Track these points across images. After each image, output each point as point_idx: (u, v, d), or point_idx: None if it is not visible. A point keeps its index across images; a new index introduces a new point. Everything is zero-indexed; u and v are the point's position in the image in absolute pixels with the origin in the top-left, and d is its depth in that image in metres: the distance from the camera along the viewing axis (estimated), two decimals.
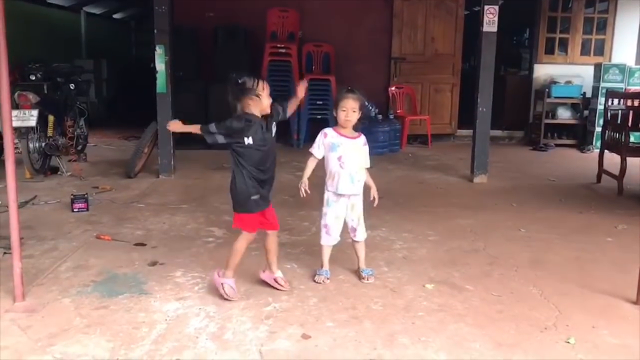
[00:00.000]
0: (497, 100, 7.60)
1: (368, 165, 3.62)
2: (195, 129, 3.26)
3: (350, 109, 3.45)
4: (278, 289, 3.41)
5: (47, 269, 3.69)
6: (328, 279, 3.56)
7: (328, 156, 3.52)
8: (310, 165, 3.57)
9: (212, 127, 3.19)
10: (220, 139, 3.19)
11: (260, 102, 3.19)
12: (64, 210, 5.01)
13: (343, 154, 3.48)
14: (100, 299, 3.26)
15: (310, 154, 3.57)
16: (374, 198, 3.58)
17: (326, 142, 3.52)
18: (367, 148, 3.60)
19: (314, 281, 3.55)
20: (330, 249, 3.64)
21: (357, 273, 3.65)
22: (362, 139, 3.59)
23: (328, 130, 3.55)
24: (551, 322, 3.10)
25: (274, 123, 3.32)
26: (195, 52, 8.43)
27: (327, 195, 3.58)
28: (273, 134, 3.31)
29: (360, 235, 3.64)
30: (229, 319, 3.07)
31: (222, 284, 3.27)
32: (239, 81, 3.19)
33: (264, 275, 3.48)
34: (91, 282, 3.50)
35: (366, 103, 3.59)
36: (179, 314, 3.12)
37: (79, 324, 2.98)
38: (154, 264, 3.81)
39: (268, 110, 3.25)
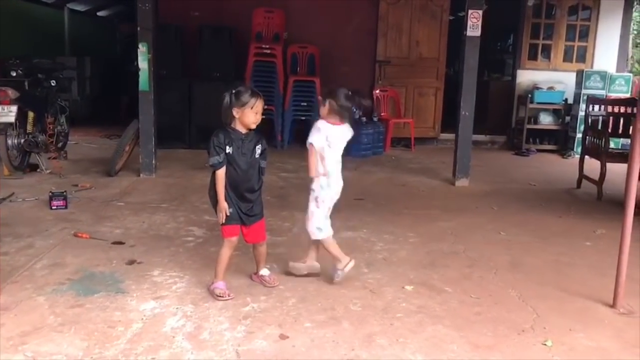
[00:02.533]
0: (480, 105, 7.65)
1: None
2: (218, 187, 3.24)
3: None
4: (267, 287, 3.45)
5: (22, 266, 3.63)
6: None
7: (327, 154, 3.45)
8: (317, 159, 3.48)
9: (211, 159, 3.21)
10: (219, 158, 3.20)
11: (244, 116, 3.21)
12: (42, 207, 4.94)
13: (336, 146, 3.48)
14: (76, 298, 3.22)
15: (311, 145, 3.46)
16: None
17: (325, 136, 3.45)
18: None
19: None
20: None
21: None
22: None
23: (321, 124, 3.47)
24: (529, 324, 3.12)
25: (259, 148, 3.33)
26: (179, 51, 8.37)
27: (320, 194, 3.52)
28: (256, 155, 3.32)
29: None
30: (206, 318, 3.04)
31: (213, 289, 3.31)
32: (234, 90, 3.23)
33: (255, 278, 3.56)
34: (67, 280, 3.45)
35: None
36: (155, 313, 3.09)
37: (52, 322, 2.93)
38: (131, 262, 3.77)
39: (251, 126, 3.26)
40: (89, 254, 3.89)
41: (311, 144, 3.44)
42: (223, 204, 3.24)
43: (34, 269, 3.61)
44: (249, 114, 3.21)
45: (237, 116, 3.22)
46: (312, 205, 3.53)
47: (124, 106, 10.63)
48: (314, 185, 3.52)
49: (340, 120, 3.47)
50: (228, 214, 3.26)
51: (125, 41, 11.27)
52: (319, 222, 3.51)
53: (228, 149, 3.21)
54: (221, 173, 3.22)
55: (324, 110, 3.46)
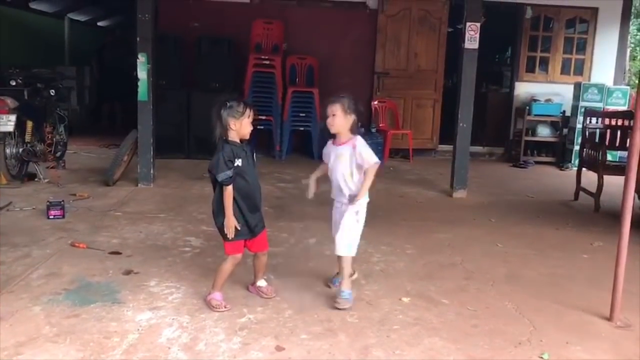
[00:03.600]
0: (479, 117, 7.67)
1: (370, 163, 3.35)
2: (228, 202, 3.20)
3: (330, 114, 3.40)
4: (264, 298, 3.44)
5: (19, 276, 3.62)
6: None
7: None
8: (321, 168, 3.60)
9: (222, 175, 3.16)
10: (230, 172, 3.17)
11: (242, 128, 3.23)
12: (40, 217, 4.93)
13: (329, 163, 3.47)
14: (72, 308, 3.21)
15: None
16: (350, 197, 3.39)
17: (325, 153, 3.55)
18: (361, 150, 3.35)
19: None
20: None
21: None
22: (352, 142, 3.38)
23: (329, 142, 3.55)
24: (525, 337, 3.11)
25: (254, 156, 3.38)
26: (178, 61, 8.40)
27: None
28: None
29: (337, 246, 3.43)
30: (202, 329, 3.03)
31: (209, 300, 3.30)
32: (228, 103, 3.23)
33: (251, 289, 3.55)
34: (63, 290, 3.45)
35: (351, 104, 3.42)
36: (151, 323, 3.08)
37: (48, 332, 2.92)
38: (128, 273, 3.76)
39: (247, 137, 3.30)
40: (86, 263, 3.88)
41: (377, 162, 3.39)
42: (232, 220, 3.21)
43: (30, 278, 3.60)
44: (247, 125, 3.25)
45: (234, 128, 3.22)
46: (352, 220, 3.43)
47: (106, 114, 10.83)
48: (362, 201, 3.43)
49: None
50: (239, 228, 3.24)
51: (109, 47, 11.32)
52: (355, 239, 3.47)
53: (237, 162, 3.21)
54: (231, 189, 3.19)
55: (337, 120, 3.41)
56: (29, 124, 6.28)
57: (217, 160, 3.18)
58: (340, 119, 3.39)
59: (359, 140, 3.41)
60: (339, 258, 3.48)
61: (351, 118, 3.41)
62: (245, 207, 3.27)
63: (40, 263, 3.86)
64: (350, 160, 3.39)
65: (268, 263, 3.59)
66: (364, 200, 3.44)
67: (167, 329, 3.02)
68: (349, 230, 3.43)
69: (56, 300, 3.29)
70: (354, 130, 3.44)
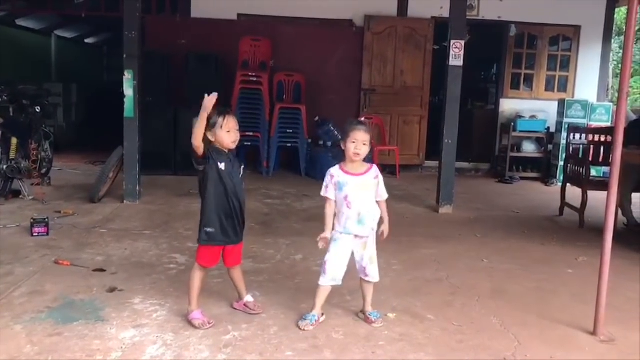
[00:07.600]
0: (465, 133, 7.74)
1: (385, 197, 3.38)
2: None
3: (361, 142, 3.25)
4: (251, 314, 3.41)
5: (1, 294, 3.57)
6: (312, 325, 3.27)
7: (336, 196, 3.32)
8: (329, 212, 3.32)
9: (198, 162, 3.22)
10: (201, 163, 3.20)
11: (218, 138, 3.19)
12: (23, 234, 4.89)
13: (349, 193, 3.27)
14: (55, 326, 3.17)
15: (326, 199, 3.33)
16: (382, 232, 3.41)
17: (334, 182, 3.34)
18: (379, 180, 3.36)
19: (298, 327, 3.28)
20: (327, 292, 3.38)
21: (364, 315, 3.46)
22: (373, 172, 3.34)
23: (334, 170, 3.34)
24: (510, 352, 3.11)
25: (242, 168, 3.36)
26: (165, 78, 8.43)
27: (334, 233, 3.36)
28: (240, 175, 3.32)
29: (373, 275, 3.43)
30: (187, 347, 3.01)
31: (191, 320, 3.26)
32: None
33: (237, 305, 3.51)
34: (46, 308, 3.40)
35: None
36: (135, 341, 3.05)
37: (29, 351, 2.88)
38: (112, 290, 3.73)
39: (230, 147, 3.25)
40: (69, 281, 3.84)
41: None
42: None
43: (12, 296, 3.56)
44: (223, 135, 3.19)
45: (212, 139, 3.20)
46: (375, 250, 3.46)
47: None
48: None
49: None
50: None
51: None
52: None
53: (220, 165, 3.20)
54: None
55: (365, 150, 3.31)
56: (14, 140, 6.25)
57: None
58: (367, 148, 3.29)
59: (378, 171, 3.39)
60: (369, 285, 3.50)
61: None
62: (222, 212, 3.24)
63: (23, 281, 3.81)
64: (374, 190, 3.36)
65: (252, 279, 3.57)
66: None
67: (151, 347, 2.99)
68: (376, 260, 3.47)
69: (38, 319, 3.25)
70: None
